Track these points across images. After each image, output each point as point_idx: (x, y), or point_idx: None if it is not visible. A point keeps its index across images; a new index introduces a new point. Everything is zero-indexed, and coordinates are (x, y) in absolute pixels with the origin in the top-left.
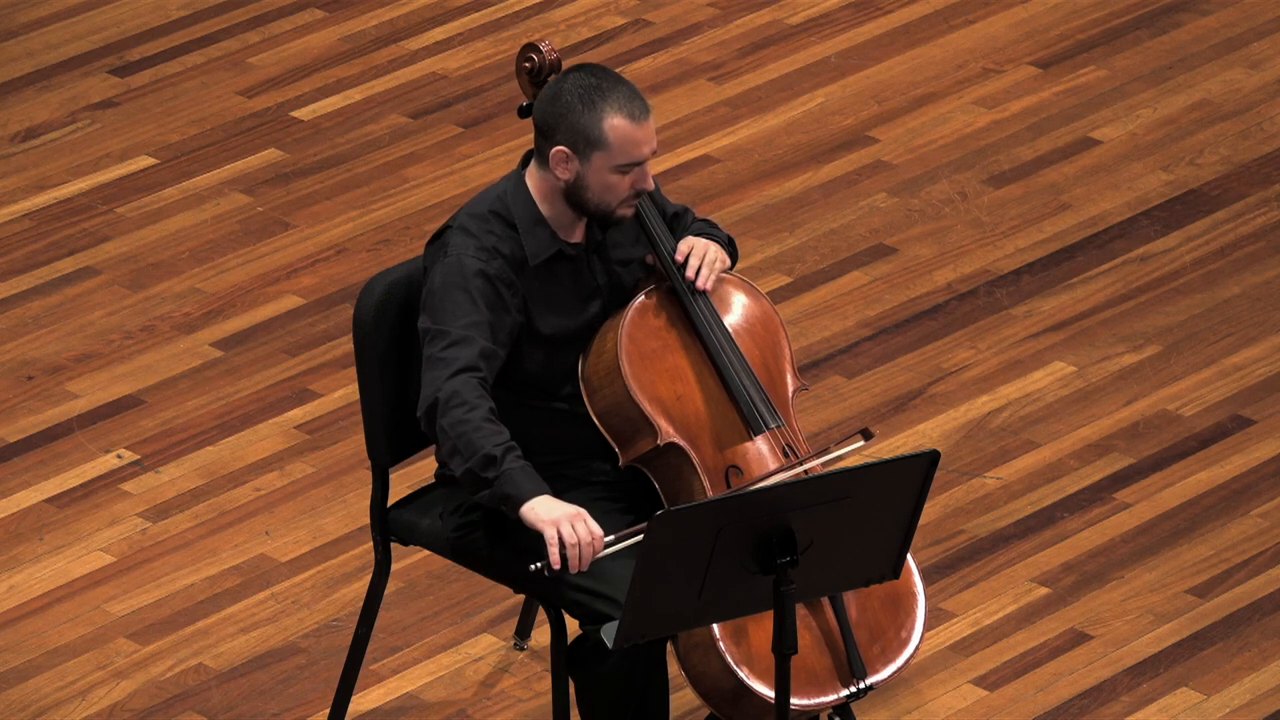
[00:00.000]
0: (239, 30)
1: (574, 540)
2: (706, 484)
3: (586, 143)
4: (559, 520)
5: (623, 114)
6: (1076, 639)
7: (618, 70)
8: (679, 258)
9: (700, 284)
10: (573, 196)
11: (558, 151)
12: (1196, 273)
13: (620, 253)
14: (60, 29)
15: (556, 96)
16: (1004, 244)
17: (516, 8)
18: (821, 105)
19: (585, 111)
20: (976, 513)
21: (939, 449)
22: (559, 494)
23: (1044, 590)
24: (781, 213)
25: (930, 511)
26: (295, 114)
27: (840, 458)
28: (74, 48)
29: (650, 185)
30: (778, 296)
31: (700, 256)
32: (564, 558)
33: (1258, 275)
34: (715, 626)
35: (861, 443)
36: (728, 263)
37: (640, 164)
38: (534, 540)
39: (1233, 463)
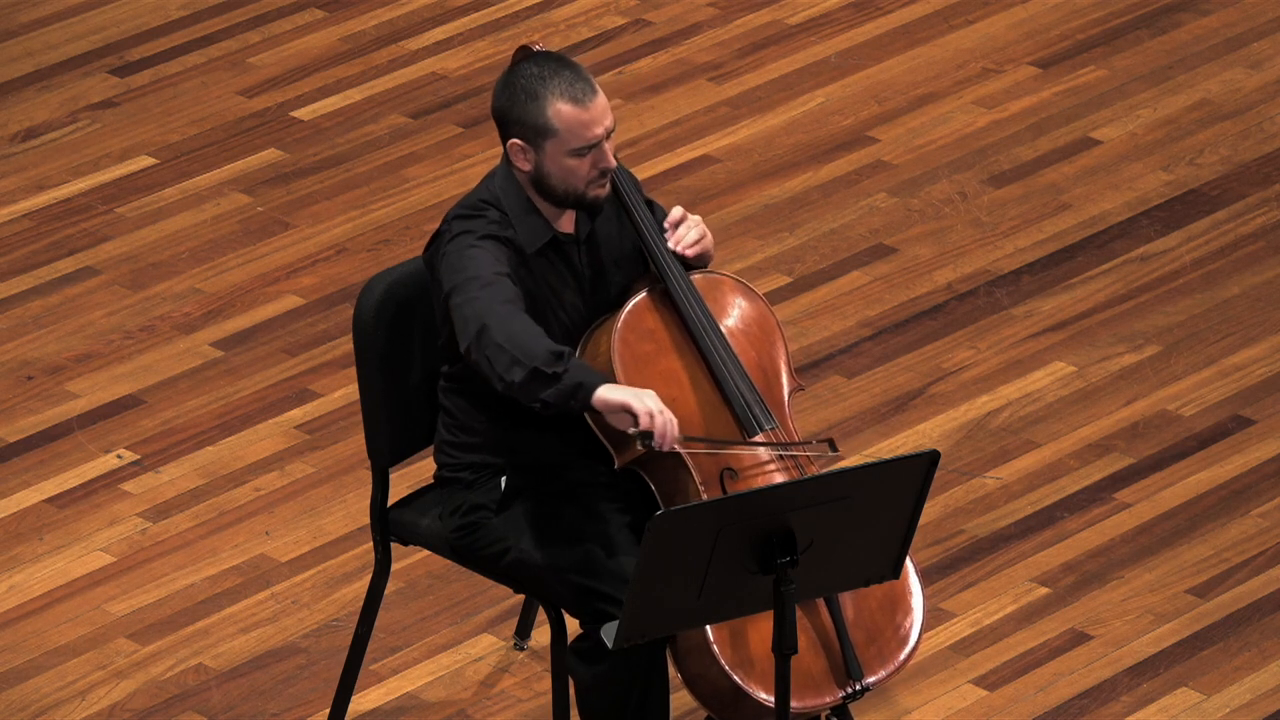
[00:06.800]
0: (239, 30)
1: (660, 409)
2: (701, 486)
3: (536, 132)
4: (641, 394)
5: (565, 99)
6: (1076, 639)
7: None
8: (671, 221)
9: (685, 250)
10: (539, 185)
11: (513, 144)
12: (1196, 273)
13: (609, 245)
14: (60, 29)
15: (505, 87)
16: (1004, 244)
17: (516, 8)
18: (821, 105)
19: (529, 102)
20: (976, 513)
21: (939, 449)
22: (559, 497)
23: (1044, 590)
24: (781, 213)
25: (930, 511)
26: (295, 114)
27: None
28: (74, 48)
29: (612, 163)
30: (778, 296)
31: (690, 226)
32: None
33: (1258, 275)
34: (710, 630)
35: (830, 453)
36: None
37: (596, 145)
38: (545, 532)
39: (1233, 463)
